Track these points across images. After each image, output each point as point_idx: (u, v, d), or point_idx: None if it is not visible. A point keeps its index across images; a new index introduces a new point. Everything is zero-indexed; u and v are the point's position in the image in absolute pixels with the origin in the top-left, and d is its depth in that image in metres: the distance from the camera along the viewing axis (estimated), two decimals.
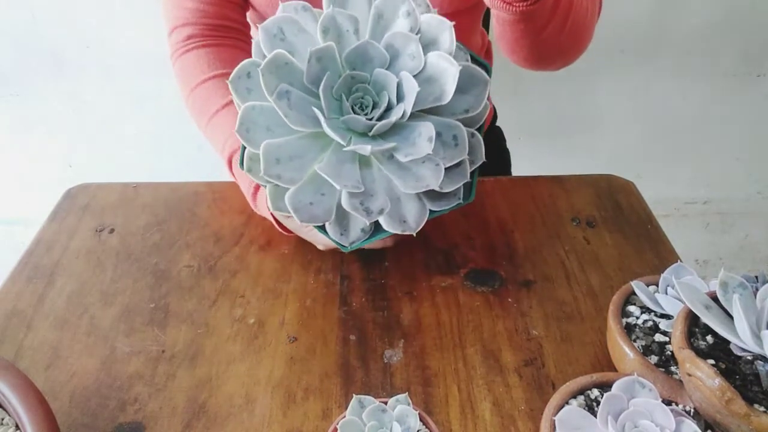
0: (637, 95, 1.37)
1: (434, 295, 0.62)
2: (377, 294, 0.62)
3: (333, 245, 0.62)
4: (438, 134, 0.48)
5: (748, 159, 1.47)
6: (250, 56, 0.50)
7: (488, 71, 0.52)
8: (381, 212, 0.49)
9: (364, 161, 0.50)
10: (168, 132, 1.34)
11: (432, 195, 0.51)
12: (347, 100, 0.49)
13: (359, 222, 0.51)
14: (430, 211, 0.51)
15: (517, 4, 0.56)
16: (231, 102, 0.66)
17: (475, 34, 0.84)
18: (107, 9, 1.19)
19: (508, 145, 1.02)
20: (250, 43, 0.76)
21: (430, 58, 0.48)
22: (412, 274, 0.65)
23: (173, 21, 0.72)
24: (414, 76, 0.48)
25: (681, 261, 0.58)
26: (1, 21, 1.20)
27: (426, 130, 0.47)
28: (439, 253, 0.67)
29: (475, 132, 0.52)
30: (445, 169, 0.49)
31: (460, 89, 0.49)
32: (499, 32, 0.63)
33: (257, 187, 0.64)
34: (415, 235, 0.50)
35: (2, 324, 0.59)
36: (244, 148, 0.50)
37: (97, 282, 0.64)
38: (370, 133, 0.48)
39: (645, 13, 1.26)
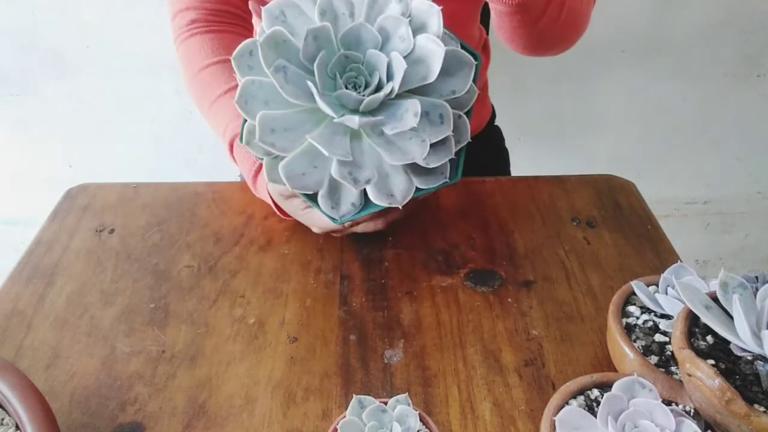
0: (637, 95, 1.37)
1: (434, 295, 0.62)
2: (377, 294, 0.62)
3: (329, 227, 0.63)
4: (425, 113, 0.51)
5: (748, 159, 1.48)
6: None
7: (476, 58, 0.53)
8: (368, 182, 0.51)
9: (354, 135, 0.52)
10: (168, 132, 1.34)
11: (419, 172, 0.53)
12: (341, 78, 0.51)
13: (350, 196, 0.53)
14: (418, 189, 0.53)
15: None
16: (233, 87, 0.67)
17: (473, 26, 0.84)
18: (107, 9, 1.19)
19: (507, 144, 1.02)
20: (251, 30, 0.77)
21: (419, 41, 0.51)
22: (412, 274, 0.65)
23: (177, 5, 0.72)
24: (404, 58, 0.50)
25: (681, 261, 0.58)
26: (1, 21, 1.20)
27: (412, 106, 0.50)
28: (439, 253, 0.67)
29: (462, 114, 0.54)
30: (431, 145, 0.51)
31: (447, 72, 0.51)
32: (497, 23, 0.64)
33: (257, 171, 0.65)
34: (401, 207, 0.52)
35: (2, 324, 0.59)
36: (245, 122, 0.52)
37: (97, 282, 0.64)
38: (360, 109, 0.50)
39: (645, 13, 1.26)
